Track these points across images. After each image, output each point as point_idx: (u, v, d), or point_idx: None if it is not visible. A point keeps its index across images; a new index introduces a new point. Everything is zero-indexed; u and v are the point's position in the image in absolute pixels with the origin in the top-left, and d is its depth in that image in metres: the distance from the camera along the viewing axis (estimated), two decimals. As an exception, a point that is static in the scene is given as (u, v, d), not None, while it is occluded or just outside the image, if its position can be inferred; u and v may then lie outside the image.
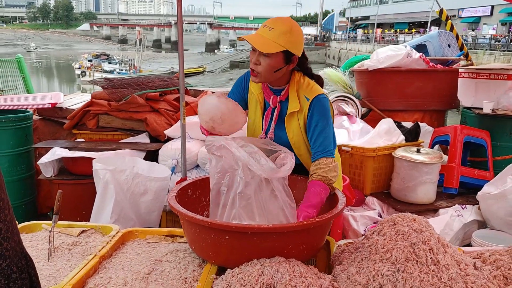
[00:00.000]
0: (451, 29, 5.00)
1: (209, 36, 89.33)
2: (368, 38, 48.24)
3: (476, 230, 3.37)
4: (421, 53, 4.86)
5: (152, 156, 3.76)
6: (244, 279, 1.71)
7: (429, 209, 3.64)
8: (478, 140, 3.93)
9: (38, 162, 3.61)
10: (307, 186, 2.09)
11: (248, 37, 2.01)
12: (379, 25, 54.50)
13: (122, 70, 34.24)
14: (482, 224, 3.52)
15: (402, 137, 3.86)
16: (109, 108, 4.03)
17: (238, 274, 1.75)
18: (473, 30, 37.89)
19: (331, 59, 46.95)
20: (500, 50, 27.23)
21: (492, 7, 39.26)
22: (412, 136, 3.93)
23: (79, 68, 35.66)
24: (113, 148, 3.66)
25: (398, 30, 49.86)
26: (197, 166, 3.76)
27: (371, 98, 5.03)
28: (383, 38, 44.60)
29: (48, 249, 2.09)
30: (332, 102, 4.85)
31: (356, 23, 67.05)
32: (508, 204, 3.16)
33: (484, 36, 32.54)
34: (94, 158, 3.25)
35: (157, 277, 1.88)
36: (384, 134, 3.85)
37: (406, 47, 4.93)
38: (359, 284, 1.74)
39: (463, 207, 3.56)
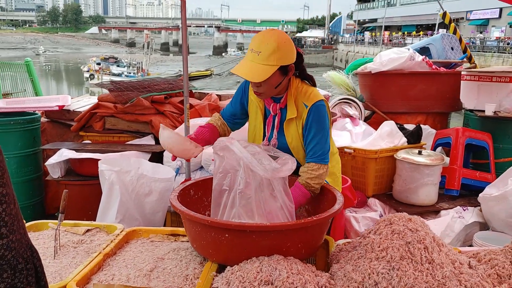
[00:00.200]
0: (455, 32, 5.03)
1: (216, 39, 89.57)
2: (375, 40, 48.18)
3: (477, 231, 3.39)
4: (424, 56, 4.89)
5: (157, 157, 3.82)
6: (243, 276, 1.76)
7: (431, 211, 3.66)
8: (480, 142, 3.96)
9: (45, 163, 3.68)
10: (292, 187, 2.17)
11: (240, 70, 2.04)
12: (387, 28, 54.44)
13: (130, 73, 34.42)
14: (483, 225, 3.54)
15: (404, 139, 3.89)
16: (115, 110, 4.10)
17: (237, 271, 1.80)
18: (481, 33, 37.67)
19: (339, 62, 46.95)
20: (509, 53, 27.08)
21: (501, 9, 39.02)
22: (414, 138, 3.96)
23: (88, 71, 35.91)
24: (119, 150, 3.72)
25: (405, 32, 49.77)
26: (201, 167, 3.82)
27: (374, 100, 5.06)
28: (390, 40, 44.52)
29: (54, 246, 2.15)
30: (336, 105, 4.89)
31: (364, 25, 66.95)
32: (509, 205, 3.18)
33: (491, 38, 32.36)
34: (100, 160, 3.32)
35: (159, 274, 1.94)
36: (386, 136, 3.88)
37: (409, 50, 4.97)
38: (355, 282, 1.78)
39: (465, 208, 3.58)
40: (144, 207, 3.27)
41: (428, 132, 4.50)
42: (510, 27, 38.13)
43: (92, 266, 1.97)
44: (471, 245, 3.35)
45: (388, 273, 1.75)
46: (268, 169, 1.91)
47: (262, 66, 1.99)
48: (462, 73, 4.48)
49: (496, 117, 4.11)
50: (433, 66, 4.88)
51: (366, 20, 66.93)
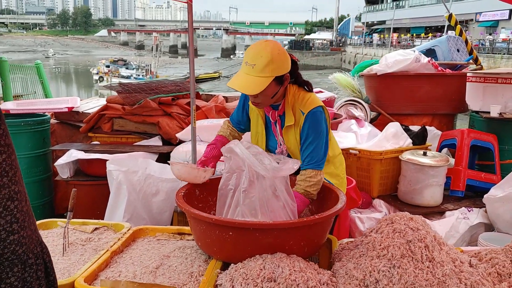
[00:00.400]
0: (460, 33, 5.04)
1: (225, 41, 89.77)
2: (384, 42, 48.03)
3: (482, 232, 3.39)
4: (429, 58, 4.90)
5: (164, 158, 3.87)
6: (246, 274, 1.80)
7: (436, 212, 3.68)
8: (485, 143, 3.97)
9: (55, 164, 3.74)
10: None
11: (235, 84, 2.08)
12: (395, 30, 54.22)
13: (139, 75, 34.58)
14: (488, 226, 3.54)
15: (409, 140, 3.91)
16: (123, 112, 4.15)
17: (241, 268, 1.84)
18: (490, 34, 37.40)
19: (347, 64, 46.87)
20: (519, 55, 26.87)
21: (510, 11, 38.72)
22: (419, 139, 3.97)
23: (97, 73, 36.12)
24: (127, 151, 3.78)
25: (414, 34, 49.52)
26: (208, 168, 3.86)
27: (380, 102, 5.09)
28: (399, 42, 44.33)
29: (63, 244, 2.21)
30: (341, 106, 4.92)
31: (372, 27, 66.75)
32: (514, 207, 3.19)
33: (500, 40, 32.10)
34: (108, 160, 3.37)
35: (165, 271, 1.98)
36: (392, 137, 3.90)
37: (414, 51, 4.98)
38: (356, 279, 1.81)
39: (470, 209, 3.59)
40: (151, 206, 3.32)
41: (434, 134, 4.52)
42: (520, 28, 37.85)
43: (99, 263, 2.02)
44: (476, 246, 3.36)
45: (389, 271, 1.78)
46: (269, 168, 1.95)
47: (257, 78, 2.04)
48: (468, 74, 4.49)
49: (502, 118, 4.12)
50: (439, 68, 4.89)
51: (375, 22, 66.70)
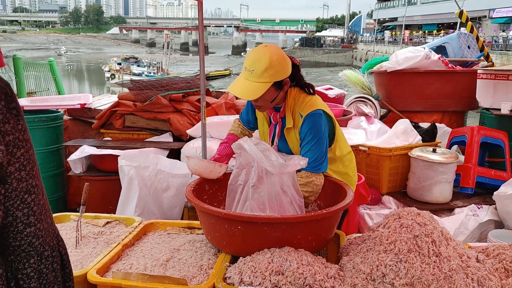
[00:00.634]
0: (471, 30, 5.01)
1: (235, 38, 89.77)
2: (395, 39, 47.68)
3: (492, 230, 3.38)
4: (440, 55, 4.88)
5: (174, 154, 3.91)
6: (255, 267, 1.83)
7: (445, 209, 3.67)
8: (495, 140, 3.95)
9: (68, 159, 3.80)
10: None
11: (234, 89, 2.12)
12: (407, 27, 53.77)
13: (150, 73, 34.74)
14: (498, 224, 3.53)
15: (419, 137, 3.91)
16: (135, 108, 4.20)
17: (249, 262, 1.87)
18: (503, 31, 36.95)
19: (358, 61, 46.61)
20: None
21: (525, 7, 38.23)
22: (429, 136, 3.97)
23: (109, 71, 36.38)
24: (138, 147, 3.82)
25: (426, 31, 49.10)
26: (218, 164, 3.89)
27: (390, 99, 5.08)
28: (411, 39, 44.00)
29: (76, 237, 2.26)
30: (351, 103, 4.93)
31: (384, 24, 66.27)
32: (524, 204, 3.18)
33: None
34: (120, 156, 3.42)
35: (175, 264, 2.03)
36: (401, 134, 3.90)
37: (424, 48, 4.97)
38: (363, 273, 1.84)
39: (479, 206, 3.58)
40: (162, 202, 3.36)
41: (444, 131, 4.50)
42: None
43: (111, 256, 2.07)
44: (485, 244, 3.36)
45: (395, 265, 1.80)
46: (275, 165, 1.98)
47: (255, 83, 2.07)
48: (478, 71, 4.47)
49: (512, 115, 4.10)
50: (449, 65, 4.87)
51: (386, 19, 66.24)
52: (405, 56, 4.86)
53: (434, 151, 3.66)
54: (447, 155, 3.63)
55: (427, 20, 54.80)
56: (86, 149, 3.71)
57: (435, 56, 4.80)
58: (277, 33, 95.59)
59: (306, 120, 2.17)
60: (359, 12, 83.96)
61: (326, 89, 5.42)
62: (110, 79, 34.93)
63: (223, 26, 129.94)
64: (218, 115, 4.23)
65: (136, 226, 2.41)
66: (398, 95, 5.01)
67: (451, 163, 3.60)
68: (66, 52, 71.21)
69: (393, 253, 1.85)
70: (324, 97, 4.99)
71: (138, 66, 37.04)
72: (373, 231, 2.06)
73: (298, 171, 2.17)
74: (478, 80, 4.42)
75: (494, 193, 3.44)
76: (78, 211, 2.40)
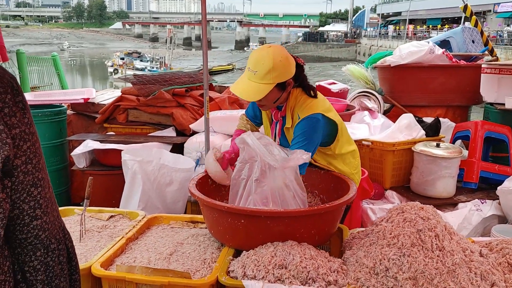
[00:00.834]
0: (476, 24, 4.98)
1: (238, 33, 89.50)
2: (399, 34, 47.47)
3: (496, 224, 3.38)
4: (444, 49, 4.86)
5: (178, 149, 3.92)
6: (258, 260, 1.84)
7: (448, 203, 3.67)
8: (499, 135, 3.93)
9: (71, 154, 3.81)
10: None
11: (237, 89, 2.12)
12: (411, 21, 53.48)
13: (153, 67, 34.71)
14: (502, 219, 3.53)
15: (423, 132, 3.90)
16: (138, 103, 4.20)
17: (252, 255, 1.88)
18: (508, 26, 36.72)
19: (361, 56, 46.46)
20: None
21: (530, 1, 37.93)
22: (432, 131, 3.96)
23: (112, 66, 36.34)
24: (141, 141, 3.83)
25: (430, 26, 48.87)
26: (221, 159, 3.90)
27: (393, 94, 5.07)
28: (415, 34, 43.77)
29: (80, 231, 2.27)
30: (355, 98, 4.92)
31: (388, 19, 65.96)
32: (528, 199, 3.18)
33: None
34: (123, 150, 3.43)
35: (179, 258, 2.03)
36: (405, 129, 3.89)
37: (428, 43, 4.95)
38: (367, 267, 1.84)
39: (483, 201, 3.57)
40: (165, 196, 3.37)
41: (448, 125, 4.49)
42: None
43: (115, 249, 2.08)
44: (489, 238, 3.35)
45: (399, 259, 1.80)
46: (278, 159, 1.98)
47: (258, 85, 2.07)
48: (483, 66, 4.45)
49: (516, 110, 4.08)
50: (453, 59, 4.85)
51: (390, 14, 65.90)
52: (409, 51, 4.84)
53: (437, 145, 3.66)
54: (450, 150, 3.62)
55: (431, 15, 54.52)
56: (90, 144, 3.71)
57: (439, 51, 4.79)
58: (280, 27, 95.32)
59: (302, 122, 2.18)
60: (363, 6, 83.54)
61: (330, 84, 5.40)
62: (113, 73, 34.91)
63: (226, 21, 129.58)
64: (221, 109, 4.22)
65: (140, 220, 2.41)
66: (402, 89, 4.99)
67: (454, 158, 3.59)
68: (69, 47, 71.21)
69: (396, 247, 1.85)
70: (327, 92, 4.98)
71: (141, 61, 37.01)
72: (376, 225, 2.06)
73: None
74: (482, 74, 4.40)
75: (498, 188, 3.44)
76: (81, 205, 2.41)
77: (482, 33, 5.18)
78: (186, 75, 4.77)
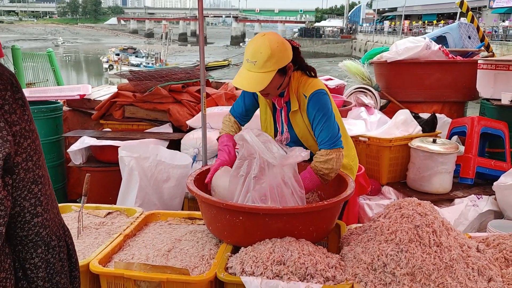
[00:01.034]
0: (472, 20, 4.99)
1: (234, 29, 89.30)
2: (395, 30, 47.49)
3: (492, 220, 3.39)
4: (440, 45, 4.87)
5: (174, 145, 3.91)
6: (256, 256, 1.84)
7: (445, 199, 3.68)
8: (495, 131, 3.95)
9: (68, 150, 3.79)
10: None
11: (240, 82, 2.11)
12: (407, 17, 53.51)
13: (148, 63, 34.57)
14: (498, 214, 3.54)
15: (419, 128, 3.91)
16: (134, 99, 4.18)
17: (251, 252, 1.88)
18: (503, 21, 36.80)
19: (357, 52, 46.48)
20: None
21: (525, -3, 38.00)
22: (429, 127, 3.97)
23: (107, 61, 36.16)
24: (138, 138, 3.82)
25: (426, 21, 48.89)
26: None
27: (390, 89, 5.07)
28: (410, 30, 43.80)
29: (78, 227, 2.26)
30: (351, 94, 4.92)
31: (383, 15, 65.96)
32: (524, 194, 3.19)
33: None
34: (120, 147, 3.42)
35: (177, 254, 2.03)
36: (401, 125, 3.90)
37: (425, 39, 4.96)
38: (364, 263, 1.85)
39: (479, 197, 3.59)
40: (163, 192, 3.37)
41: (444, 121, 4.51)
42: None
43: (113, 246, 2.07)
44: (485, 234, 3.37)
45: (396, 255, 1.81)
46: (276, 156, 1.98)
47: (260, 74, 2.07)
48: (479, 62, 4.46)
49: (513, 106, 4.10)
50: (450, 55, 4.86)
51: (386, 9, 65.91)
52: (405, 47, 4.85)
53: (434, 141, 3.67)
54: (447, 146, 3.63)
55: (427, 10, 54.58)
56: (86, 140, 3.70)
57: (435, 46, 4.79)
58: (276, 23, 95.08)
59: (311, 100, 2.18)
60: (359, 2, 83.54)
61: (326, 80, 5.41)
62: (108, 69, 34.76)
63: (221, 17, 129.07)
64: (218, 105, 4.22)
65: (137, 217, 2.41)
66: (398, 85, 5.00)
67: (451, 154, 3.60)
68: (64, 43, 70.73)
69: (394, 243, 1.86)
70: (324, 88, 4.97)
71: (136, 56, 36.87)
72: (374, 221, 2.07)
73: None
74: (478, 70, 4.42)
75: (494, 183, 3.45)
76: (78, 202, 2.40)
77: (478, 28, 5.19)
78: (182, 71, 4.76)
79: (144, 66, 32.89)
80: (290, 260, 1.79)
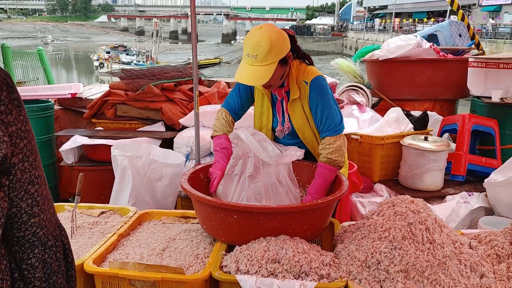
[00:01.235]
0: (463, 18, 5.03)
1: (225, 27, 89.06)
2: (385, 28, 47.67)
3: (482, 216, 3.43)
4: (431, 43, 4.90)
5: (167, 144, 3.90)
6: (251, 255, 1.84)
7: (436, 196, 3.71)
8: (486, 128, 3.99)
9: (59, 149, 3.76)
10: (317, 168, 2.22)
11: (243, 77, 2.11)
12: (397, 15, 53.71)
13: (139, 61, 34.38)
14: (489, 211, 3.58)
15: (411, 125, 3.94)
16: (127, 98, 4.16)
17: (245, 250, 1.89)
18: (492, 19, 37.07)
19: (348, 49, 46.62)
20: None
21: (515, -6, 38.28)
22: (420, 124, 3.99)
23: (97, 59, 35.89)
24: (131, 136, 3.80)
25: (416, 19, 49.15)
26: (211, 153, 3.89)
27: (381, 87, 5.10)
28: (401, 27, 44.00)
29: (71, 227, 2.25)
30: (343, 92, 4.94)
31: (374, 12, 66.15)
32: (514, 191, 3.22)
33: (505, 25, 31.80)
34: (112, 145, 3.40)
35: (171, 253, 2.03)
36: (393, 122, 3.92)
37: (416, 37, 4.98)
38: (358, 261, 1.86)
39: (470, 194, 3.62)
40: (156, 191, 3.36)
41: (435, 119, 4.54)
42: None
43: (107, 246, 2.07)
44: (476, 230, 3.40)
45: (390, 252, 1.82)
46: (272, 155, 1.98)
47: (262, 67, 2.07)
48: (469, 59, 4.49)
49: (503, 103, 4.12)
50: (441, 53, 4.89)
51: (376, 7, 66.10)
52: (396, 45, 4.87)
53: (425, 139, 3.69)
54: (438, 143, 3.66)
55: (417, 8, 54.85)
56: (78, 139, 3.68)
57: (426, 45, 4.82)
58: (267, 21, 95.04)
59: (313, 86, 2.20)
60: (349, 0, 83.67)
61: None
62: (99, 68, 34.50)
63: (212, 14, 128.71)
64: (210, 104, 4.21)
65: (131, 216, 2.41)
66: (390, 83, 5.03)
67: (442, 151, 3.63)
68: (53, 41, 70.06)
69: (387, 240, 1.88)
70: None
71: (127, 54, 36.63)
72: (367, 218, 2.08)
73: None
74: (469, 68, 4.45)
75: (485, 180, 3.48)
76: (70, 201, 2.39)
77: (469, 27, 5.22)
78: (174, 69, 4.74)
79: (135, 64, 32.72)
80: (284, 258, 1.80)
